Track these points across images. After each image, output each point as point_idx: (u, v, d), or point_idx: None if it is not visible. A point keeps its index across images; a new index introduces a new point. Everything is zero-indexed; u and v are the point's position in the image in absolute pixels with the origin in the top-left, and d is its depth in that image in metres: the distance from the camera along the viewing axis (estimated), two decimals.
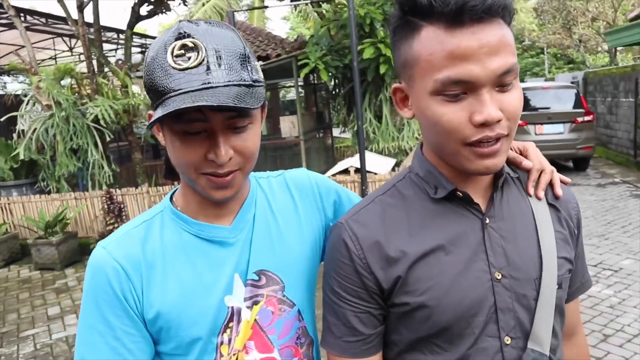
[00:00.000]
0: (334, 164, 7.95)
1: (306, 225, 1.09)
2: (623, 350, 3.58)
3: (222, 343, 0.96)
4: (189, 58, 0.83)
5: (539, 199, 0.99)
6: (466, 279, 0.89)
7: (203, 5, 11.45)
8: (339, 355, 0.96)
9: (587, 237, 6.08)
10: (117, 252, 0.93)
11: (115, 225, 6.44)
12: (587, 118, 9.75)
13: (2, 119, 7.99)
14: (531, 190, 0.99)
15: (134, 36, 9.78)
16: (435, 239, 0.91)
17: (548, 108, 9.86)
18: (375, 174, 6.34)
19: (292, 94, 17.44)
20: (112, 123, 7.42)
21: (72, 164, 7.58)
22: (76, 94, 7.86)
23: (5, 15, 8.88)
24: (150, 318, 0.92)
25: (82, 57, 12.87)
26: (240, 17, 15.91)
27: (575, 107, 9.89)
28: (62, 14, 8.16)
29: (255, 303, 0.99)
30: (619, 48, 20.79)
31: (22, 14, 9.19)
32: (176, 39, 0.84)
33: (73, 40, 13.07)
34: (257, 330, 0.99)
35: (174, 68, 0.83)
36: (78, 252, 6.95)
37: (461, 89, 0.80)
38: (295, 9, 13.06)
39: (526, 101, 9.64)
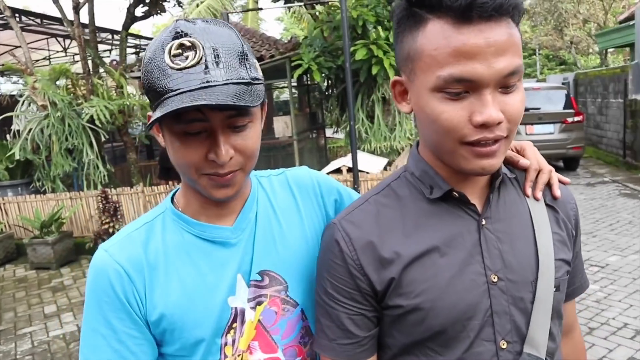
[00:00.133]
0: (327, 164, 8.05)
1: (308, 223, 1.08)
2: (607, 343, 3.69)
3: (226, 344, 0.95)
4: (187, 57, 0.82)
5: (536, 199, 0.96)
6: (461, 282, 0.87)
7: (197, 6, 11.54)
8: (332, 358, 0.95)
9: None
10: (119, 254, 0.93)
11: (111, 224, 6.51)
12: (577, 118, 9.89)
13: None
14: (528, 191, 0.97)
15: (128, 37, 9.83)
16: (430, 240, 0.89)
17: (539, 108, 9.99)
18: (368, 173, 6.44)
19: (285, 95, 17.54)
20: (108, 123, 7.49)
21: (67, 164, 7.64)
22: (71, 95, 7.91)
23: (0, 16, 8.92)
24: (154, 320, 0.92)
25: (76, 58, 12.95)
26: (234, 17, 15.98)
27: (565, 107, 10.03)
28: (56, 14, 8.23)
29: (259, 303, 0.99)
30: (610, 50, 21.02)
31: (17, 15, 9.23)
32: (173, 39, 0.84)
33: (67, 41, 13.10)
34: (261, 331, 0.99)
35: (171, 68, 0.83)
36: (73, 251, 7.01)
37: (463, 88, 0.78)
38: (289, 10, 13.14)
39: None
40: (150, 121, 0.85)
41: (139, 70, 8.85)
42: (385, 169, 6.99)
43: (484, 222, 0.90)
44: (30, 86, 7.50)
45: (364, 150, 7.98)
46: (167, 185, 6.81)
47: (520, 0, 0.79)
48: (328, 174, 6.58)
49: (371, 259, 0.90)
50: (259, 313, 0.98)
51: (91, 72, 8.05)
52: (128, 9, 8.54)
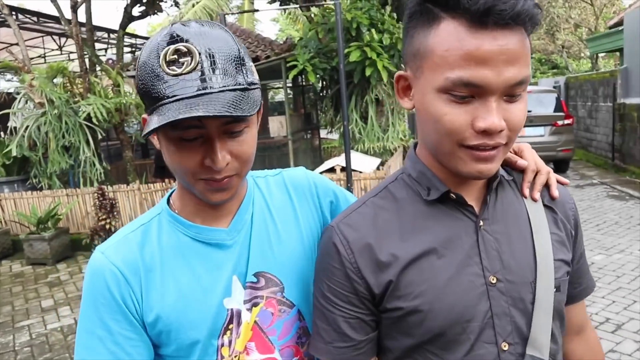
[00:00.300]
0: (321, 164, 8.16)
1: (304, 224, 1.08)
2: None
3: (222, 345, 0.96)
4: (183, 64, 0.82)
5: (534, 200, 0.96)
6: (459, 283, 0.87)
7: (193, 6, 11.61)
8: None
9: None
10: (115, 256, 0.93)
11: (108, 221, 6.60)
12: (567, 121, 10.03)
13: None
14: (526, 191, 0.96)
15: (124, 36, 9.91)
16: (427, 242, 0.89)
17: (530, 111, 10.13)
18: (361, 172, 6.57)
19: (280, 95, 17.64)
20: (105, 121, 7.58)
21: (64, 161, 7.72)
22: (69, 92, 7.99)
23: None
24: (150, 321, 0.92)
25: (72, 56, 13.01)
26: (230, 18, 16.07)
27: (555, 110, 10.17)
28: (52, 12, 8.31)
29: (255, 305, 0.99)
30: (602, 54, 21.28)
31: (13, 12, 9.29)
32: (168, 43, 0.83)
33: (63, 39, 13.15)
34: (258, 332, 0.99)
35: (167, 74, 0.82)
36: (70, 247, 7.09)
37: (470, 92, 0.77)
38: (285, 12, 13.25)
39: None
40: (146, 128, 0.84)
41: (135, 69, 8.91)
42: (378, 168, 7.12)
43: (481, 224, 0.90)
44: (27, 84, 7.57)
45: (357, 150, 8.11)
46: (163, 183, 6.91)
47: (538, 11, 0.78)
48: (322, 173, 6.70)
49: (369, 262, 0.90)
50: (255, 314, 0.99)
51: (88, 71, 8.13)
52: (125, 8, 8.63)
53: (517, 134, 0.83)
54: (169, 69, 0.82)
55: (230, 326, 0.96)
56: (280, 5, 10.64)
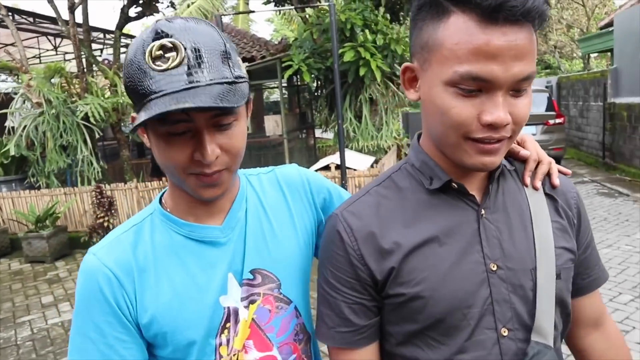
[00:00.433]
0: (316, 162, 8.27)
1: (298, 221, 1.08)
2: None
3: (220, 344, 0.95)
4: (169, 59, 0.81)
5: (535, 189, 0.97)
6: (460, 270, 0.88)
7: (188, 6, 11.69)
8: (331, 345, 0.97)
9: None
10: (107, 258, 0.92)
11: (106, 218, 6.69)
12: (558, 120, 10.14)
13: None
14: (527, 180, 0.97)
15: (121, 37, 9.99)
16: (429, 230, 0.90)
17: None
18: (355, 170, 6.69)
19: (276, 95, 17.73)
20: (102, 121, 7.66)
21: (61, 160, 7.80)
22: (66, 92, 8.06)
23: None
24: (145, 323, 0.91)
25: (67, 56, 13.05)
26: (225, 19, 16.14)
27: (547, 110, 10.29)
28: (46, 12, 8.37)
29: (252, 302, 0.98)
30: (595, 55, 21.48)
31: (9, 13, 9.35)
32: (154, 39, 0.82)
33: (58, 39, 13.20)
34: (255, 329, 0.99)
35: (153, 70, 0.82)
36: (68, 245, 7.17)
37: (477, 86, 0.78)
38: (280, 12, 13.35)
39: None
40: (134, 124, 0.84)
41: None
42: (372, 166, 7.24)
43: (483, 213, 0.91)
44: (25, 84, 7.64)
45: (352, 148, 8.25)
46: (161, 182, 7.01)
47: (547, 8, 0.79)
48: (317, 170, 6.81)
49: (372, 249, 0.91)
50: (252, 311, 0.98)
51: (85, 71, 8.21)
52: (122, 9, 8.71)
53: (521, 128, 0.84)
54: (154, 64, 0.82)
55: (227, 324, 0.96)
56: (275, 6, 10.75)
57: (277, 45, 9.92)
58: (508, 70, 0.76)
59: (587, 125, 12.09)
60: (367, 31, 7.94)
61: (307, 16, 9.37)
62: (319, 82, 9.19)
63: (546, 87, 14.40)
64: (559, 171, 1.02)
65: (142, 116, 0.81)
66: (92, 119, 7.47)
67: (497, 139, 0.81)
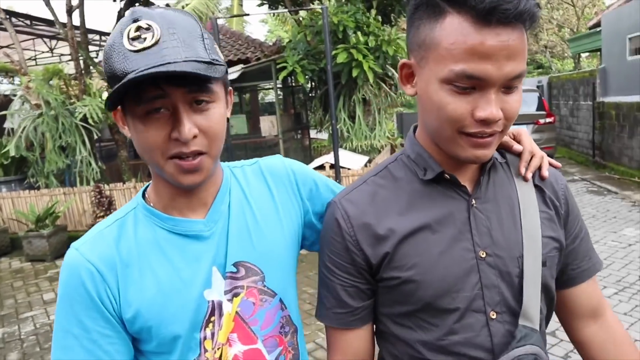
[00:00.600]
0: (311, 162, 8.42)
1: (283, 213, 1.07)
2: None
3: (205, 338, 0.95)
4: (145, 39, 0.82)
5: (526, 180, 1.01)
6: (450, 257, 0.93)
7: (182, 8, 11.81)
8: (329, 325, 1.03)
9: None
10: (90, 253, 0.90)
11: (105, 217, 6.79)
12: (548, 120, 10.24)
13: None
14: (523, 170, 1.01)
15: None
16: (422, 218, 0.95)
17: None
18: (349, 169, 6.85)
19: (271, 96, 17.86)
20: (100, 122, 7.78)
21: (60, 161, 7.92)
22: (64, 94, 8.18)
23: None
24: (129, 317, 0.90)
25: (63, 58, 13.14)
26: (219, 20, 16.25)
27: (537, 109, 10.41)
28: (42, 15, 8.46)
29: (236, 295, 0.98)
30: (586, 54, 21.72)
31: (7, 16, 9.44)
32: (132, 22, 0.84)
33: (53, 42, 13.28)
34: (239, 322, 0.98)
35: (130, 51, 0.82)
36: (68, 244, 7.14)
37: (471, 84, 0.82)
38: (274, 15, 13.48)
39: None
40: (108, 95, 0.82)
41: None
42: (366, 165, 7.40)
43: (473, 202, 0.95)
44: (24, 86, 7.76)
45: (345, 148, 8.39)
46: None
47: (538, 10, 0.82)
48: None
49: (367, 235, 0.96)
50: (236, 305, 0.98)
51: (83, 73, 8.33)
52: (119, 12, 8.83)
53: (512, 123, 0.89)
54: (131, 45, 0.82)
55: (212, 318, 0.95)
56: (269, 8, 10.89)
57: (271, 46, 10.06)
58: (501, 69, 0.80)
59: (577, 124, 12.21)
60: (359, 33, 8.08)
61: (301, 18, 9.52)
62: (313, 83, 9.33)
63: (537, 86, 14.54)
64: (550, 164, 1.06)
65: (116, 88, 0.80)
66: (90, 120, 7.59)
67: (489, 133, 0.86)
